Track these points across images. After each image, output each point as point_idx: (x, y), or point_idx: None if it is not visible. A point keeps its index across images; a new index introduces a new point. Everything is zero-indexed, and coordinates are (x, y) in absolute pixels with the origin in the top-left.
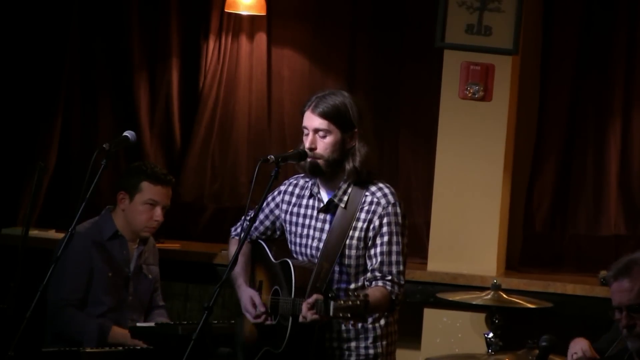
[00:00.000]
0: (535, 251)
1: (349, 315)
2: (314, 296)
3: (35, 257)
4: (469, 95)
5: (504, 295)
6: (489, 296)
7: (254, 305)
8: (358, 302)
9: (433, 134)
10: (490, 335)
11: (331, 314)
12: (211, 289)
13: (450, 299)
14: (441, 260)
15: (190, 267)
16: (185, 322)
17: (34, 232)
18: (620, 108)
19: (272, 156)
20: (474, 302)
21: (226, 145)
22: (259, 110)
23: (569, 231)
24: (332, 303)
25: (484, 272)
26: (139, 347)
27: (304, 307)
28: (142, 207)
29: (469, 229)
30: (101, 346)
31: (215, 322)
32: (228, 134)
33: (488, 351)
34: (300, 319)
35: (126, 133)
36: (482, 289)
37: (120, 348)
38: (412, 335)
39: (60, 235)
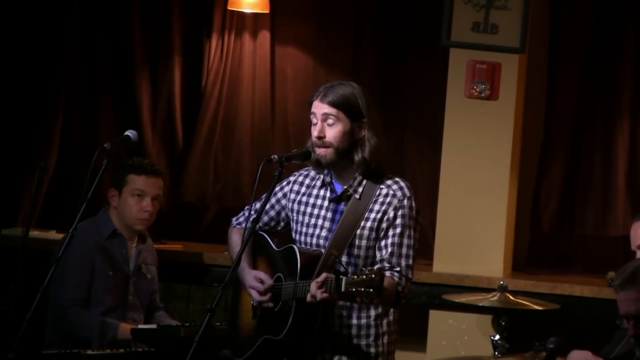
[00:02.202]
0: (542, 252)
1: (362, 289)
2: (324, 274)
3: (36, 258)
4: (475, 94)
5: (511, 297)
6: (496, 298)
7: (261, 281)
8: (373, 275)
9: (439, 133)
10: (497, 337)
11: (342, 289)
12: (214, 290)
13: (456, 300)
14: (447, 261)
15: (192, 268)
16: (188, 324)
17: (34, 233)
18: (629, 107)
19: (276, 156)
20: (480, 304)
21: (229, 145)
22: (262, 110)
23: (577, 232)
24: (343, 279)
25: (490, 273)
26: (140, 350)
27: (313, 285)
28: (131, 200)
29: (475, 229)
30: (109, 345)
31: (218, 323)
32: (231, 134)
33: (494, 353)
34: (309, 298)
35: (128, 132)
36: (488, 290)
37: (122, 350)
38: (417, 337)
39: (61, 236)
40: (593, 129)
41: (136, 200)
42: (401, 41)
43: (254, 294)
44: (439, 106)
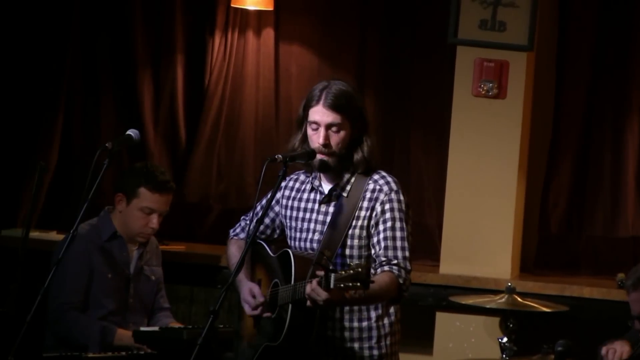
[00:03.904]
0: (550, 253)
1: (350, 284)
2: (316, 279)
3: (36, 259)
4: (483, 92)
5: (519, 299)
6: (503, 300)
7: (253, 296)
8: (360, 269)
9: (445, 133)
10: (505, 340)
11: (332, 286)
12: (217, 292)
13: (463, 302)
14: (454, 262)
15: (195, 269)
16: (191, 327)
17: (35, 234)
18: (639, 106)
19: (280, 155)
20: (487, 306)
21: (232, 144)
22: (267, 108)
23: (586, 232)
24: (332, 275)
25: (498, 274)
26: (142, 352)
27: (308, 287)
28: (138, 214)
29: (483, 230)
30: (106, 350)
31: (221, 326)
32: (234, 133)
33: (502, 356)
34: (308, 303)
35: (129, 132)
36: (496, 292)
37: (124, 353)
38: (423, 339)
39: (62, 237)
40: (602, 128)
41: (143, 216)
42: (407, 39)
43: (246, 308)
44: (446, 105)
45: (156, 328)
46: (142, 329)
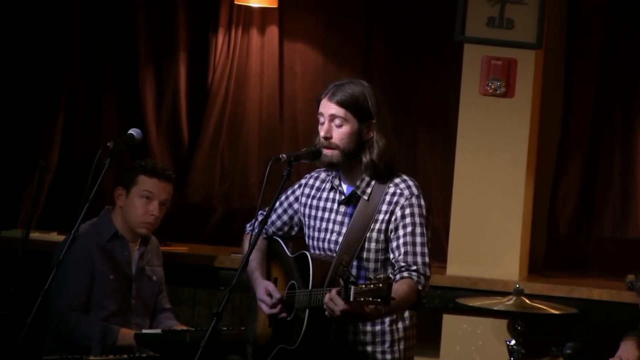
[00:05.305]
0: (559, 254)
1: (370, 299)
2: (334, 290)
3: (37, 261)
4: (491, 91)
5: (527, 301)
6: (511, 301)
7: (269, 295)
8: (380, 285)
9: (452, 132)
10: (513, 342)
11: (351, 299)
12: (220, 294)
13: (471, 304)
14: (461, 264)
15: (198, 271)
16: (194, 329)
17: (35, 235)
18: None
19: (285, 155)
20: (495, 308)
21: (236, 144)
22: (271, 107)
23: (595, 233)
24: (352, 288)
25: (506, 276)
26: (144, 355)
27: (326, 295)
28: (138, 201)
29: (490, 231)
30: (109, 351)
31: (225, 328)
32: (238, 132)
33: (510, 359)
34: (327, 313)
35: (131, 131)
36: (504, 294)
37: (125, 356)
38: (430, 342)
39: (62, 238)
40: (612, 127)
41: (143, 203)
42: (414, 36)
43: (264, 307)
44: (453, 104)
45: (159, 330)
46: (144, 331)
